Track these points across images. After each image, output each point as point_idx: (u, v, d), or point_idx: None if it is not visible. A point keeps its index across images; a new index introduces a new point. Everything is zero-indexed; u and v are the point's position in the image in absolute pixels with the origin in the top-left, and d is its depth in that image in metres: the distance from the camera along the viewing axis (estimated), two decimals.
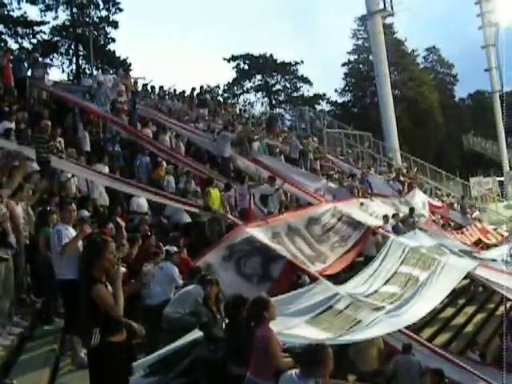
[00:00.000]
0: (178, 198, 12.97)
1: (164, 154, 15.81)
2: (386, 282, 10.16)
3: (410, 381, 9.12)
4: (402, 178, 25.94)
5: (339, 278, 10.85)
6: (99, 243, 4.96)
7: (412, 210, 18.55)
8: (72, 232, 7.49)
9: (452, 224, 24.21)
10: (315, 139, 26.73)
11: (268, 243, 10.34)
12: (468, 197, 34.70)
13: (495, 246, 20.10)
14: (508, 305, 14.29)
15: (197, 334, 6.78)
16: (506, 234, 23.44)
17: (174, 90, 25.75)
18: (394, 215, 16.47)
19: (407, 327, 8.81)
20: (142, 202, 13.09)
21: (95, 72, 22.58)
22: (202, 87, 27.13)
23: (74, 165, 12.15)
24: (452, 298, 14.78)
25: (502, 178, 50.26)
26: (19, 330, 7.41)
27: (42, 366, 6.53)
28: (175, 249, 9.73)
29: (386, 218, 15.81)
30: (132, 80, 23.55)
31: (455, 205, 28.27)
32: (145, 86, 23.63)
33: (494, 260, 14.39)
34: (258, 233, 10.58)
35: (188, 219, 13.49)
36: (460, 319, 15.15)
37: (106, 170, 13.69)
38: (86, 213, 9.97)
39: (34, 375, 6.29)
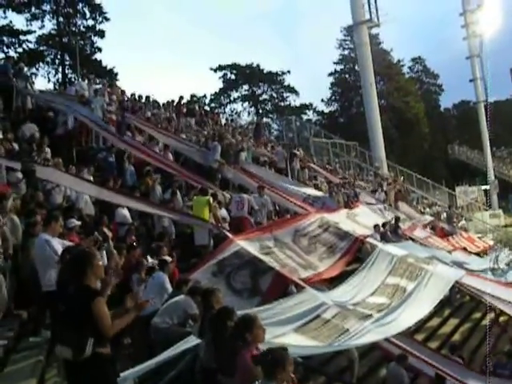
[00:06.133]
0: (171, 209, 13.03)
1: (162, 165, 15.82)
2: (374, 293, 10.15)
3: None
4: (385, 188, 26.08)
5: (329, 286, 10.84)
6: (89, 253, 4.94)
7: (398, 218, 18.63)
8: (56, 243, 7.49)
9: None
10: (300, 150, 26.72)
11: (257, 255, 10.30)
12: (454, 206, 34.88)
13: (480, 254, 20.27)
14: (493, 314, 14.37)
15: (185, 344, 6.75)
16: (491, 242, 23.53)
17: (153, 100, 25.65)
18: (383, 224, 16.51)
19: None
20: (125, 212, 12.95)
21: (83, 82, 22.29)
22: (192, 96, 27.21)
23: (60, 174, 12.02)
24: (438, 308, 14.80)
25: (487, 187, 50.58)
26: (3, 341, 7.32)
27: (28, 378, 6.44)
28: (169, 259, 9.74)
29: (375, 226, 15.85)
30: (119, 90, 23.49)
31: (443, 214, 28.39)
32: (132, 95, 23.55)
33: (483, 271, 14.43)
34: (248, 245, 10.54)
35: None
36: (447, 328, 15.19)
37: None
38: (75, 222, 9.87)
39: None
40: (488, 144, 55.09)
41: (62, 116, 17.06)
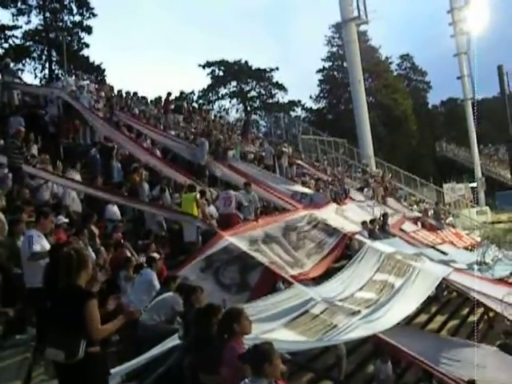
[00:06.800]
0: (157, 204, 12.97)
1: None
2: (361, 289, 10.17)
3: None
4: (372, 185, 26.13)
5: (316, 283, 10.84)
6: (85, 253, 4.91)
7: (386, 215, 18.65)
8: (38, 240, 7.44)
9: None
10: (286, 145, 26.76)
11: (246, 250, 10.29)
12: (441, 203, 35.01)
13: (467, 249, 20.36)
14: (481, 310, 14.43)
15: (172, 341, 6.72)
16: (478, 239, 23.66)
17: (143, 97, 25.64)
18: (371, 221, 16.52)
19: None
20: (116, 209, 12.91)
21: (69, 78, 22.19)
22: (181, 93, 27.13)
23: (47, 172, 11.97)
24: (426, 304, 14.84)
25: (474, 184, 50.86)
26: None
27: (14, 377, 6.39)
28: (157, 255, 9.70)
29: (363, 223, 15.86)
30: (108, 87, 23.41)
31: (430, 211, 28.48)
32: (119, 91, 23.43)
33: (470, 265, 14.49)
34: (237, 240, 10.52)
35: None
36: (434, 325, 15.23)
37: (78, 177, 13.47)
38: (63, 219, 9.80)
39: None
40: (475, 141, 55.37)
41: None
